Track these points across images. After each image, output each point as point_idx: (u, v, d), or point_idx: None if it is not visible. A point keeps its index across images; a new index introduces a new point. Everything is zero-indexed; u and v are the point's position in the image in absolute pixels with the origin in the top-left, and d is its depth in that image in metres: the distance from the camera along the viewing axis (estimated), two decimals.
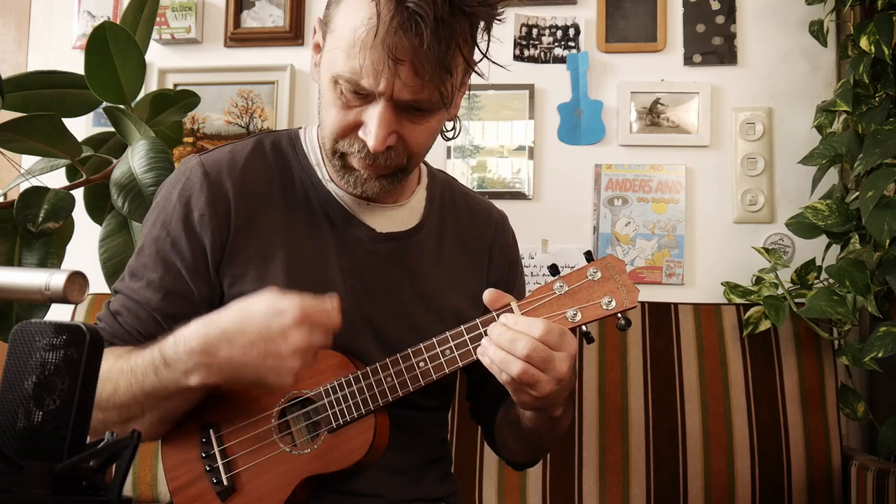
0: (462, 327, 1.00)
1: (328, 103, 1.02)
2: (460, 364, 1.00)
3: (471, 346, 0.99)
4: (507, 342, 0.92)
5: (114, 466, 0.61)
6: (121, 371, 0.97)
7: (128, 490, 1.79)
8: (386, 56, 0.93)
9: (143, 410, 0.98)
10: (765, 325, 1.75)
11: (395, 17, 0.91)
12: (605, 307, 0.97)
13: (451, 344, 1.00)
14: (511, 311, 0.98)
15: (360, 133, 1.00)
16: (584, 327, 0.99)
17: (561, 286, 0.98)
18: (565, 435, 1.59)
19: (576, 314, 0.97)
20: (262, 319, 0.91)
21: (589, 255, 0.99)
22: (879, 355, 1.61)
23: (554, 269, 0.99)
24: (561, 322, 0.97)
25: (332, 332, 0.94)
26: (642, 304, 1.82)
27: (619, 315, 0.98)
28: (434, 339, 1.01)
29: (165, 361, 0.94)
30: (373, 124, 0.98)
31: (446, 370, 1.00)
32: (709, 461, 1.71)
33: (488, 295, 0.99)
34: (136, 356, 0.98)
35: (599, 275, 0.98)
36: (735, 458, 1.70)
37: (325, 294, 1.05)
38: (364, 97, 0.98)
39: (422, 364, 1.01)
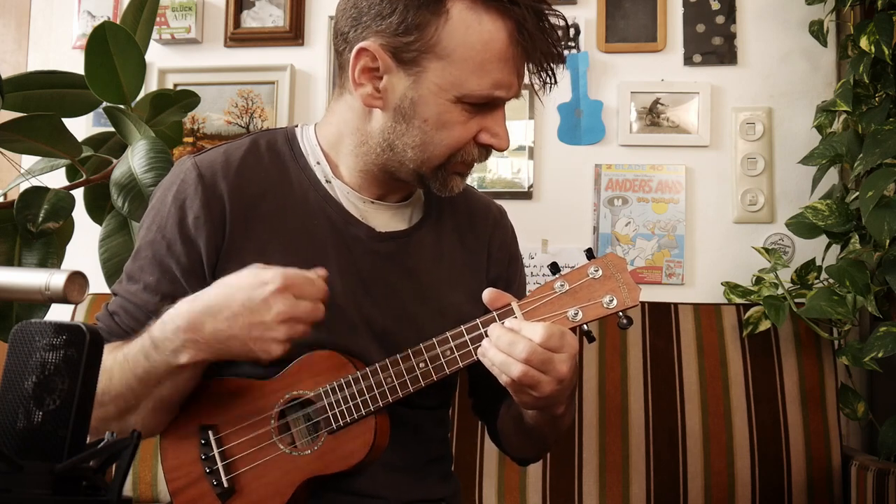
0: (462, 327, 1.00)
1: (445, 124, 1.02)
2: (461, 364, 1.00)
3: (471, 347, 0.99)
4: (506, 344, 0.92)
5: (114, 466, 0.61)
6: (114, 361, 0.98)
7: (128, 490, 1.79)
8: (524, 63, 1.01)
9: (138, 399, 0.98)
10: (765, 325, 1.75)
11: (539, 24, 0.98)
12: (606, 306, 0.97)
13: (452, 344, 1.00)
14: (511, 311, 0.98)
15: (484, 138, 1.04)
16: (585, 326, 0.98)
17: (562, 285, 0.98)
18: (567, 432, 1.59)
19: (577, 313, 0.97)
20: (245, 291, 0.92)
21: (590, 253, 0.99)
22: (879, 355, 1.61)
23: (554, 268, 0.99)
24: (562, 322, 0.97)
25: (320, 303, 0.95)
26: (642, 304, 1.82)
27: (621, 314, 0.97)
28: (434, 340, 1.00)
29: (154, 343, 0.95)
30: (500, 128, 1.04)
31: (447, 370, 1.00)
32: (709, 461, 1.71)
33: (488, 294, 0.99)
34: (128, 345, 0.99)
35: (600, 273, 0.98)
36: (735, 458, 1.70)
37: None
38: (486, 105, 1.02)
39: (422, 365, 1.00)
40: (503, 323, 0.96)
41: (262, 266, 0.95)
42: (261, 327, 0.92)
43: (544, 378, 0.92)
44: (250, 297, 0.92)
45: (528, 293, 1.01)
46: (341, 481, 1.03)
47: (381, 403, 1.00)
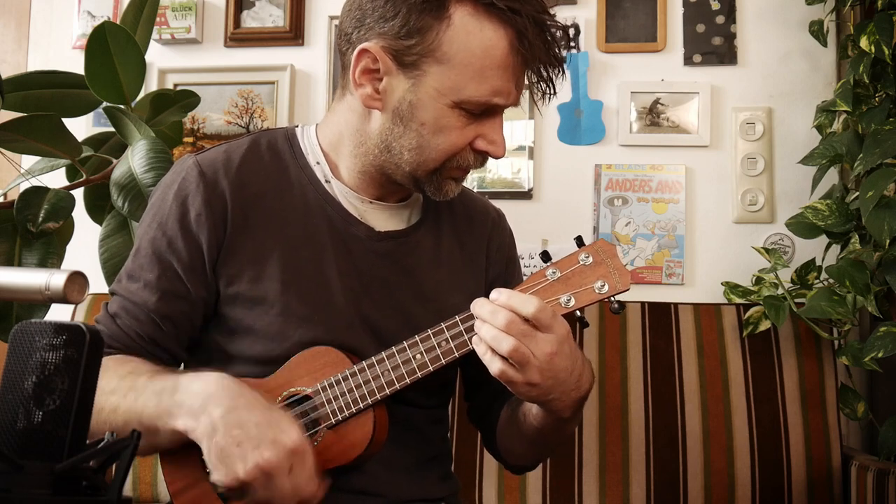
0: (457, 317, 1.01)
1: (442, 129, 1.02)
2: (456, 354, 1.00)
3: (466, 336, 1.00)
4: (488, 314, 0.93)
5: (114, 466, 0.61)
6: (122, 397, 0.97)
7: (128, 490, 1.79)
8: (523, 71, 1.01)
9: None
10: (765, 325, 1.75)
11: (540, 34, 0.98)
12: (598, 291, 0.98)
13: (447, 335, 1.01)
14: None
15: (480, 144, 1.04)
16: (578, 313, 0.99)
17: (553, 272, 0.99)
18: (569, 438, 1.59)
19: (569, 299, 0.98)
20: (268, 423, 0.90)
21: (580, 241, 1.00)
22: (879, 355, 1.61)
23: (545, 256, 1.00)
24: (555, 308, 0.97)
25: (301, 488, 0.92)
26: (642, 304, 1.82)
27: (612, 299, 0.99)
28: (430, 331, 1.01)
29: (176, 387, 0.94)
30: (497, 135, 1.04)
31: (443, 360, 1.01)
32: (709, 461, 1.71)
33: None
34: (144, 384, 0.97)
35: (591, 259, 0.99)
36: (735, 458, 1.70)
37: (321, 292, 1.06)
38: (484, 112, 1.02)
39: (418, 356, 1.01)
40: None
41: (303, 438, 0.92)
42: (242, 453, 0.88)
43: (532, 359, 0.91)
44: (267, 428, 0.90)
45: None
46: (341, 479, 1.03)
47: (378, 396, 1.01)
